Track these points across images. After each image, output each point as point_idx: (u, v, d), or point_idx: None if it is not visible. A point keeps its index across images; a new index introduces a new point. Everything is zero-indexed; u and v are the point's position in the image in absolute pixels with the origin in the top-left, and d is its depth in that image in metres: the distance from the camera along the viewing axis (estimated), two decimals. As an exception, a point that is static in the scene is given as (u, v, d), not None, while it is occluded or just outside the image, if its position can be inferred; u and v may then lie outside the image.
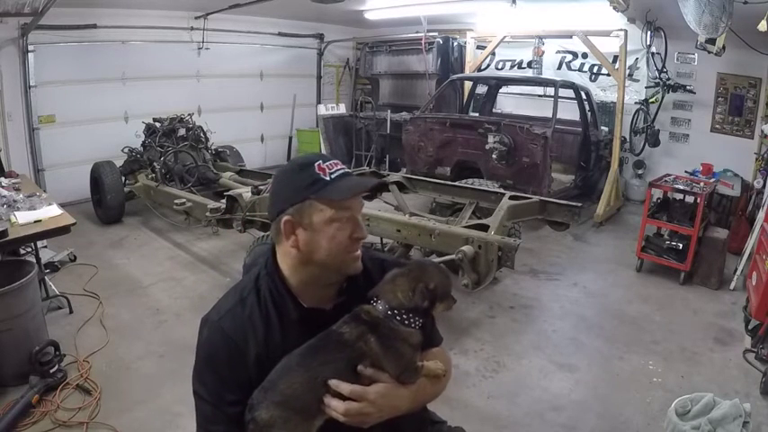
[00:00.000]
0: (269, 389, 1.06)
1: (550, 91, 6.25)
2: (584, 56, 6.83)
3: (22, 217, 3.11)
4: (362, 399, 1.04)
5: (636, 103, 6.23)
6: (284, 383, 1.05)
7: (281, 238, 1.14)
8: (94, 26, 5.91)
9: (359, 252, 1.15)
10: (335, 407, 1.04)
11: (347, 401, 1.04)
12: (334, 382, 1.05)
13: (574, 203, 3.71)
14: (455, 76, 6.84)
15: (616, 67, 5.87)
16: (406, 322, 1.11)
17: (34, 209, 3.29)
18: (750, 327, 3.25)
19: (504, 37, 6.67)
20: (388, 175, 4.66)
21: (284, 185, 1.15)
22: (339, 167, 1.13)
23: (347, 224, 1.11)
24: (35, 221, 3.09)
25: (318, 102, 8.65)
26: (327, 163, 1.12)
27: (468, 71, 7.23)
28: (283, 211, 1.11)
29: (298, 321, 1.14)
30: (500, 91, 7.33)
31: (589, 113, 6.08)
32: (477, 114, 6.95)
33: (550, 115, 5.43)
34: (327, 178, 1.10)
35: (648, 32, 5.77)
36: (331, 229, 1.09)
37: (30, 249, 3.61)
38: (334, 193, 1.09)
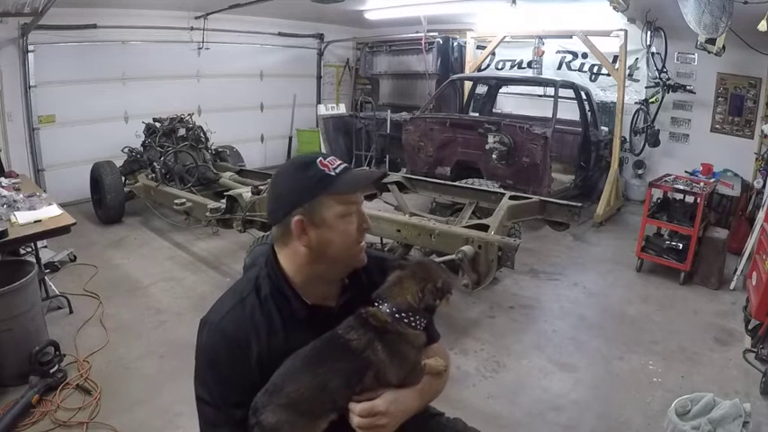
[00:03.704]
0: (273, 392, 1.05)
1: (550, 91, 6.26)
2: (585, 56, 6.83)
3: (22, 217, 3.11)
4: (374, 413, 1.06)
5: (636, 103, 6.23)
6: (291, 387, 1.05)
7: (288, 239, 1.12)
8: (94, 26, 5.91)
9: (364, 243, 1.17)
10: (354, 423, 1.06)
11: (360, 419, 1.06)
12: (350, 405, 1.07)
13: (574, 203, 3.71)
14: (455, 76, 6.83)
15: (616, 67, 5.87)
16: (413, 324, 1.12)
17: (34, 209, 3.29)
18: (750, 327, 3.25)
19: (504, 37, 6.67)
20: (388, 174, 4.65)
21: (289, 186, 1.11)
22: (339, 162, 1.14)
23: (355, 217, 1.13)
24: (35, 221, 3.09)
25: (318, 102, 8.65)
26: (327, 159, 1.14)
27: (468, 71, 7.23)
28: (291, 211, 1.09)
29: (303, 320, 1.14)
30: (500, 91, 7.32)
31: (589, 113, 6.07)
32: (477, 114, 6.94)
33: (550, 115, 5.43)
34: (333, 174, 1.10)
35: (648, 32, 5.76)
36: (342, 223, 1.10)
37: (30, 249, 3.61)
38: (343, 186, 1.09)
